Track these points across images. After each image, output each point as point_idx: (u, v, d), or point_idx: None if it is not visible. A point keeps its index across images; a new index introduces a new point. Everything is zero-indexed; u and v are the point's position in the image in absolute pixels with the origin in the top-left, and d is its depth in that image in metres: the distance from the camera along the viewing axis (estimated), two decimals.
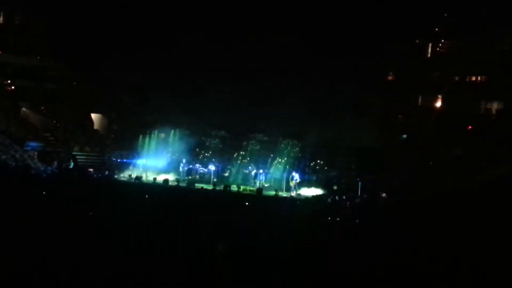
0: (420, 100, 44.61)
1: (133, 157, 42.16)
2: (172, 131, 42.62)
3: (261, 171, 39.51)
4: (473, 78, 43.16)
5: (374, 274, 17.12)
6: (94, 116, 48.09)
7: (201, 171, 41.34)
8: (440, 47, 45.30)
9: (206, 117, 42.12)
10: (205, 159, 41.77)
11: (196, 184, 38.15)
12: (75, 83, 49.06)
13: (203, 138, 42.43)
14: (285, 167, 39.61)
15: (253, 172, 39.73)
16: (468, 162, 35.50)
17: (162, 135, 43.08)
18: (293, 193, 36.76)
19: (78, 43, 45.36)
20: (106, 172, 40.66)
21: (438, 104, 43.75)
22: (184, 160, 41.98)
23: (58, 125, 45.76)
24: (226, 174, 40.95)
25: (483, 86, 42.05)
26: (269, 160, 40.50)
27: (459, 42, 43.94)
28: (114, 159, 43.15)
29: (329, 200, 35.28)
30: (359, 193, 35.76)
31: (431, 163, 37.18)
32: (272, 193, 36.71)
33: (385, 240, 21.95)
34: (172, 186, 37.32)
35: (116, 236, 19.23)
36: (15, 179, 32.24)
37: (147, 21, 45.03)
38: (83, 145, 43.47)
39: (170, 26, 45.08)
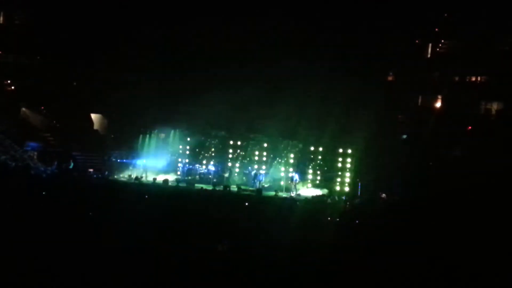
0: (420, 100, 44.57)
1: (133, 158, 42.13)
2: (172, 131, 42.59)
3: (261, 171, 39.52)
4: (473, 78, 43.15)
5: (374, 274, 17.13)
6: (94, 116, 47.97)
7: (201, 171, 41.31)
8: (440, 47, 45.28)
9: (206, 117, 42.06)
10: (205, 160, 41.74)
11: (196, 185, 38.14)
12: (75, 83, 49.00)
13: (203, 138, 42.38)
14: (285, 168, 39.61)
15: (253, 173, 39.73)
16: (468, 162, 35.47)
17: (162, 135, 43.04)
18: (293, 194, 36.77)
19: (78, 43, 45.30)
20: (106, 173, 40.64)
21: (438, 104, 43.71)
22: (183, 161, 41.97)
23: (58, 125, 45.67)
24: (226, 175, 40.93)
25: (483, 86, 42.04)
26: (269, 160, 40.49)
27: (459, 42, 43.92)
28: (113, 159, 43.09)
29: (329, 200, 35.30)
30: (358, 194, 35.77)
31: (431, 163, 37.16)
32: (272, 193, 36.72)
33: (385, 240, 21.94)
34: (171, 187, 37.32)
35: (116, 236, 19.24)
36: (15, 179, 32.21)
37: (147, 21, 45.00)
38: (83, 146, 43.40)
39: (170, 26, 45.06)
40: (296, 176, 37.89)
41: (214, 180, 39.40)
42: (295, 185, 37.56)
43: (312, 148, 39.97)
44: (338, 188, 38.26)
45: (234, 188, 37.72)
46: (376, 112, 40.26)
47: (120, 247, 17.94)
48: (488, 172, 32.65)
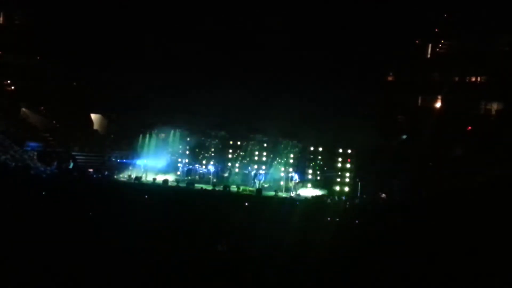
0: (420, 101, 44.58)
1: (133, 158, 42.12)
2: (172, 131, 42.60)
3: (260, 171, 39.52)
4: (473, 79, 43.15)
5: (374, 274, 17.13)
6: (93, 116, 48.01)
7: (200, 171, 41.32)
8: (440, 48, 45.29)
9: (206, 117, 42.08)
10: (205, 160, 41.75)
11: (196, 185, 38.12)
12: (75, 83, 49.02)
13: (202, 138, 42.39)
14: (284, 168, 39.63)
15: (252, 173, 39.74)
16: (468, 162, 35.47)
17: (162, 135, 43.04)
18: (293, 194, 36.77)
19: (78, 43, 45.31)
20: (106, 173, 40.62)
21: (438, 104, 43.71)
22: (183, 161, 41.96)
23: (57, 125, 45.68)
24: (226, 175, 40.95)
25: (483, 87, 42.04)
26: (269, 160, 40.51)
27: (459, 42, 43.92)
28: (113, 159, 43.10)
29: (328, 200, 35.29)
30: (358, 194, 35.79)
31: (431, 163, 37.17)
32: (272, 193, 36.71)
33: (385, 240, 21.95)
34: (171, 187, 37.32)
35: (116, 236, 19.23)
36: (15, 179, 32.21)
37: (147, 22, 45.02)
38: (82, 146, 43.41)
39: (170, 26, 45.07)
40: (296, 176, 37.90)
41: (214, 180, 39.40)
42: (294, 185, 37.55)
43: (312, 148, 39.98)
44: (338, 188, 38.27)
45: (234, 188, 37.72)
46: (376, 112, 40.31)
47: (120, 247, 17.94)
48: (488, 172, 32.68)
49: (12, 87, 47.53)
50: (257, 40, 43.44)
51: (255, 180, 38.95)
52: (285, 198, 35.71)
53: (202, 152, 41.98)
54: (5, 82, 47.26)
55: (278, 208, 31.12)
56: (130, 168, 41.49)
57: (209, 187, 37.39)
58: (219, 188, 37.23)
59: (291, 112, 38.81)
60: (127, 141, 44.04)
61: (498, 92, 40.66)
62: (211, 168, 40.56)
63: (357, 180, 36.87)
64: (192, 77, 44.07)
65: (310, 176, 39.49)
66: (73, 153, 42.15)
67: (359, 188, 35.91)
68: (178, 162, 42.13)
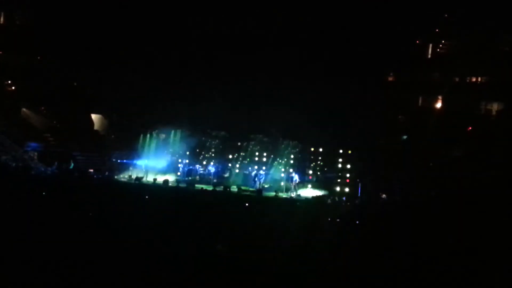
0: (420, 101, 44.54)
1: (133, 158, 42.14)
2: (172, 131, 42.61)
3: (261, 172, 39.52)
4: (474, 79, 43.12)
5: (375, 274, 17.13)
6: (94, 117, 47.98)
7: (201, 172, 41.32)
8: (440, 48, 45.26)
9: (206, 118, 42.10)
10: (205, 160, 41.75)
11: (196, 185, 38.13)
12: (75, 84, 49.01)
13: (203, 138, 42.40)
14: (285, 168, 39.63)
15: (253, 173, 39.74)
16: (469, 162, 35.47)
17: (162, 135, 43.06)
18: (293, 194, 36.77)
19: (78, 43, 45.31)
20: (106, 173, 40.63)
21: (439, 104, 43.68)
22: (184, 161, 41.96)
23: (58, 125, 45.67)
24: (226, 175, 40.96)
25: (483, 87, 42.01)
26: (269, 161, 40.51)
27: (460, 42, 43.89)
28: (114, 160, 43.12)
29: (329, 201, 35.30)
30: (359, 194, 35.79)
31: (431, 164, 37.17)
32: (272, 194, 36.71)
33: (385, 241, 21.95)
34: (172, 187, 37.32)
35: (116, 236, 19.25)
36: (16, 180, 32.23)
37: (147, 22, 45.01)
38: (83, 146, 43.41)
39: (170, 26, 45.06)
40: (296, 177, 37.90)
41: (214, 180, 39.41)
42: (295, 186, 37.56)
43: (312, 149, 39.98)
44: (338, 188, 38.25)
45: (234, 188, 37.72)
46: (376, 112, 40.30)
47: (121, 247, 17.95)
48: (488, 173, 32.68)
49: (13, 87, 47.50)
50: (257, 40, 43.42)
51: (256, 181, 38.95)
52: (286, 198, 35.73)
53: (203, 153, 42.00)
54: (5, 82, 47.24)
55: (278, 208, 31.13)
56: (131, 168, 41.52)
57: (210, 188, 37.39)
58: (220, 188, 37.24)
59: (292, 113, 38.80)
60: (127, 141, 44.05)
61: (499, 92, 40.64)
62: (212, 168, 40.56)
63: (358, 180, 36.88)
64: (193, 77, 44.07)
65: (310, 177, 39.47)
66: (74, 154, 42.16)
67: (360, 189, 35.91)
68: (179, 162, 42.14)
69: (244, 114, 41.34)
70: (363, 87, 41.21)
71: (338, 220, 28.74)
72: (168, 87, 43.82)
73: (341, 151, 39.15)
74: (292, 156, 40.04)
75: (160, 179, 38.91)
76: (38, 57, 48.17)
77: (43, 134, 43.94)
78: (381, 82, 45.12)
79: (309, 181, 39.28)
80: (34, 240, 18.12)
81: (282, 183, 38.79)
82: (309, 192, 37.70)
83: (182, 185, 38.07)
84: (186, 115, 41.60)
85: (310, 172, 39.63)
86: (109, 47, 45.23)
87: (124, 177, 40.18)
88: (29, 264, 15.60)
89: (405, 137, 41.86)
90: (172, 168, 41.78)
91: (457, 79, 43.53)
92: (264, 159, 40.80)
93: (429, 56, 45.35)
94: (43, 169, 38.83)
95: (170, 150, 42.49)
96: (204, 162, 41.69)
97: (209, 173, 40.50)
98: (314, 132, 39.81)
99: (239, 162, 41.22)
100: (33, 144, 41.35)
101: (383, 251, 20.09)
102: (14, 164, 37.63)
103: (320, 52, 41.52)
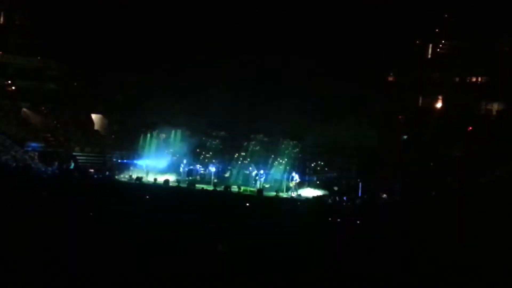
0: (420, 101, 44.58)
1: (134, 158, 42.16)
2: (173, 131, 42.63)
3: (261, 171, 39.53)
4: (474, 79, 43.16)
5: (375, 275, 17.13)
6: (94, 116, 48.04)
7: (201, 171, 41.33)
8: (440, 48, 45.29)
9: (207, 118, 42.11)
10: (206, 160, 41.76)
11: (197, 185, 38.16)
12: (75, 84, 49.04)
13: (203, 138, 42.41)
14: (285, 168, 39.64)
15: (253, 173, 39.74)
16: (469, 162, 35.50)
17: (163, 135, 43.09)
18: (293, 194, 36.78)
19: (79, 43, 45.33)
20: (107, 173, 40.65)
21: (439, 104, 43.73)
22: (184, 161, 41.98)
23: (58, 125, 45.71)
24: (227, 175, 40.97)
25: (483, 87, 42.05)
26: (270, 160, 40.51)
27: (460, 42, 43.92)
28: (114, 159, 43.15)
29: (329, 200, 35.32)
30: (359, 194, 35.80)
31: (431, 163, 37.19)
32: (273, 193, 36.73)
33: (385, 241, 21.95)
34: (172, 187, 37.33)
35: (117, 237, 19.24)
36: (16, 180, 32.22)
37: (147, 21, 45.01)
38: (83, 146, 43.43)
39: (170, 26, 45.06)
40: (296, 177, 37.91)
41: (215, 180, 39.43)
42: (295, 185, 37.56)
43: (312, 148, 39.99)
44: (338, 188, 38.23)
45: (234, 188, 37.74)
46: (377, 112, 40.33)
47: (121, 247, 17.95)
48: (489, 173, 32.70)
49: (13, 87, 47.54)
50: (258, 40, 43.43)
51: (256, 181, 38.96)
52: (286, 198, 35.75)
53: (203, 153, 42.01)
54: (5, 82, 47.28)
55: (279, 208, 31.14)
56: (131, 168, 41.53)
57: (210, 188, 37.42)
58: (220, 188, 37.26)
59: (292, 113, 38.83)
60: (128, 141, 44.08)
61: (499, 93, 40.67)
62: (212, 168, 40.58)
63: (358, 180, 36.90)
64: (193, 77, 44.09)
65: (311, 177, 39.49)
66: (74, 153, 42.19)
67: (360, 188, 35.93)
68: (179, 162, 42.14)
69: (244, 114, 41.35)
70: (364, 87, 41.23)
71: (338, 220, 28.74)
72: (168, 87, 43.84)
73: (341, 151, 39.13)
74: (292, 156, 40.02)
75: (161, 179, 38.93)
76: (39, 57, 48.21)
77: (44, 134, 43.97)
78: (382, 82, 45.17)
79: (309, 181, 39.28)
80: (34, 240, 18.11)
81: (283, 183, 38.80)
82: (309, 192, 37.71)
83: (183, 185, 38.10)
84: (186, 115, 41.61)
85: (311, 171, 39.61)
86: (109, 47, 45.25)
87: (124, 177, 40.19)
88: (29, 264, 15.58)
89: (405, 137, 41.89)
90: (172, 168, 41.78)
91: (457, 79, 43.57)
92: (265, 159, 40.78)
93: (429, 56, 45.38)
94: (43, 169, 38.84)
95: (171, 150, 42.50)
96: (205, 162, 41.67)
97: (210, 173, 40.50)
98: (314, 132, 39.83)
99: (239, 162, 41.22)
100: (33, 144, 41.36)
101: (384, 251, 20.09)
102: (14, 164, 37.63)
103: (321, 52, 41.51)
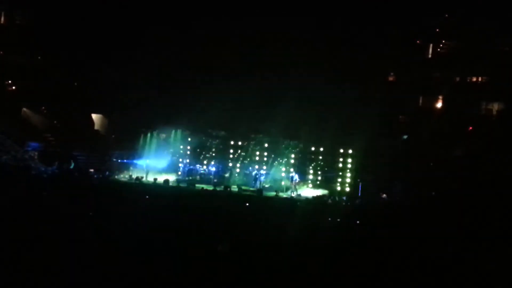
0: (420, 101, 44.57)
1: (134, 158, 42.14)
2: (173, 131, 42.62)
3: (261, 171, 39.52)
4: (474, 79, 43.16)
5: (375, 275, 17.14)
6: (94, 116, 47.99)
7: (201, 171, 41.32)
8: (440, 48, 45.29)
9: (207, 118, 42.08)
10: (206, 160, 41.75)
11: (197, 185, 38.14)
12: (76, 83, 49.02)
13: (203, 138, 42.39)
14: (285, 168, 39.62)
15: (253, 173, 39.73)
16: (469, 163, 35.49)
17: (163, 135, 43.07)
18: (293, 194, 36.77)
19: (79, 43, 45.32)
20: (107, 173, 40.64)
21: (439, 104, 43.72)
22: (184, 161, 41.97)
23: (58, 125, 45.68)
24: (227, 175, 40.94)
25: (483, 87, 42.05)
26: (270, 160, 40.49)
27: (460, 42, 43.93)
28: (114, 159, 43.12)
29: (329, 201, 35.30)
30: (359, 194, 35.78)
31: (431, 164, 37.18)
32: (273, 194, 36.72)
33: (385, 241, 21.96)
34: (172, 187, 37.32)
35: (116, 237, 19.26)
36: (16, 180, 32.23)
37: (147, 21, 44.99)
38: (83, 146, 43.40)
39: (170, 26, 45.04)
40: (296, 176, 37.90)
41: (215, 180, 39.40)
42: (295, 186, 37.55)
43: (312, 148, 39.98)
44: (338, 188, 38.25)
45: (234, 188, 37.73)
46: (376, 112, 40.29)
47: (121, 247, 17.96)
48: (489, 173, 32.70)
49: (13, 87, 47.52)
50: (258, 40, 43.43)
51: (256, 181, 38.94)
52: (286, 198, 35.73)
53: (203, 152, 41.98)
54: (6, 82, 47.25)
55: (278, 208, 31.13)
56: (131, 168, 41.53)
57: (210, 188, 37.41)
58: (220, 188, 37.25)
59: (292, 112, 38.79)
60: (128, 141, 44.04)
61: (499, 93, 40.67)
62: (212, 168, 40.57)
63: (358, 180, 36.88)
64: (193, 77, 44.08)
65: (310, 176, 39.49)
66: (74, 153, 42.14)
67: (360, 189, 35.91)
68: (179, 162, 42.13)
69: (244, 114, 41.33)
70: (364, 87, 41.23)
71: (338, 220, 28.75)
72: (168, 87, 43.83)
73: (341, 150, 39.10)
74: (292, 156, 40.01)
75: (161, 179, 38.93)
76: (39, 57, 48.18)
77: (43, 134, 43.94)
78: (382, 82, 45.16)
79: (310, 181, 39.28)
80: (34, 240, 18.12)
81: (283, 183, 38.79)
82: (309, 192, 37.70)
83: (183, 185, 38.09)
84: (186, 115, 41.58)
85: (311, 171, 39.60)
86: (109, 46, 45.24)
87: (124, 177, 40.18)
88: (29, 264, 15.60)
89: (405, 137, 41.87)
90: (172, 168, 41.77)
91: (457, 79, 43.56)
92: (265, 159, 40.77)
93: (429, 56, 45.38)
94: (43, 169, 38.82)
95: (171, 150, 42.48)
96: (205, 162, 41.66)
97: (210, 173, 40.49)
98: (314, 132, 39.80)
99: (239, 162, 41.20)
100: (33, 144, 41.34)
101: (384, 251, 20.10)
102: (14, 164, 37.61)
103: (321, 52, 41.51)
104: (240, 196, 35.46)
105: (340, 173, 38.67)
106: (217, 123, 42.72)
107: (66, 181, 35.33)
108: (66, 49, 46.02)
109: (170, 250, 18.36)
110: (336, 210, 31.32)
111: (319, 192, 37.43)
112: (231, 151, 41.51)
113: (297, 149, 40.28)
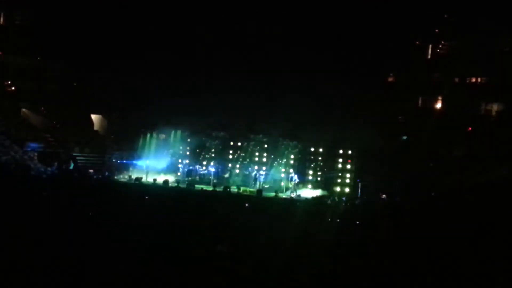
0: (420, 101, 44.59)
1: (133, 158, 42.15)
2: (172, 132, 42.63)
3: (261, 172, 39.53)
4: (473, 79, 43.17)
5: (374, 275, 17.13)
6: (94, 117, 48.00)
7: (201, 172, 41.33)
8: (440, 48, 45.30)
9: (207, 118, 42.10)
10: (205, 160, 41.76)
11: (196, 185, 38.15)
12: (75, 84, 49.03)
13: (203, 139, 42.42)
14: (285, 168, 39.64)
15: (253, 173, 39.75)
16: (469, 163, 35.48)
17: (162, 136, 43.09)
18: (293, 194, 36.76)
19: (78, 43, 45.32)
20: (106, 173, 40.66)
21: (438, 105, 43.73)
22: (184, 161, 41.97)
23: (58, 126, 45.69)
24: (226, 175, 40.97)
25: (483, 87, 42.06)
26: (269, 161, 40.52)
27: (459, 43, 43.94)
28: (114, 160, 43.13)
29: (329, 201, 35.29)
30: (359, 195, 35.78)
31: (431, 164, 37.18)
32: (272, 194, 36.72)
33: (385, 241, 21.94)
34: (172, 187, 37.32)
35: (116, 237, 19.24)
36: (15, 180, 32.20)
37: (147, 22, 45.02)
38: (83, 146, 43.41)
39: (170, 26, 45.07)
40: (296, 177, 37.91)
41: (214, 181, 39.42)
42: (294, 186, 37.56)
43: (312, 149, 39.99)
44: (338, 189, 38.27)
45: (234, 189, 37.74)
46: (376, 113, 40.30)
47: (120, 247, 17.94)
48: (489, 173, 32.68)
49: (13, 88, 47.54)
50: (257, 40, 43.45)
51: (256, 181, 38.96)
52: (286, 199, 35.72)
53: (203, 153, 42.01)
54: (5, 83, 47.28)
55: (278, 208, 31.10)
56: (131, 168, 41.55)
57: (210, 188, 37.41)
58: (220, 189, 37.26)
59: (292, 113, 38.81)
60: (127, 141, 44.06)
61: (499, 93, 40.67)
62: (212, 169, 40.58)
63: (358, 181, 36.89)
64: (193, 77, 44.09)
65: (310, 177, 39.51)
66: (74, 154, 42.16)
67: (360, 189, 35.91)
68: (179, 163, 42.15)
69: (245, 115, 41.35)
70: (364, 87, 41.23)
71: (338, 220, 28.73)
72: (168, 87, 43.84)
73: (341, 151, 39.12)
74: (292, 156, 40.03)
75: (160, 179, 38.93)
76: (38, 57, 48.20)
77: (43, 134, 43.94)
78: (381, 83, 45.17)
79: (309, 182, 39.29)
80: (34, 240, 18.10)
81: (282, 183, 38.81)
82: (309, 192, 37.72)
83: (182, 185, 38.10)
84: (186, 116, 41.61)
85: (310, 172, 39.61)
86: (109, 47, 45.24)
87: (124, 177, 40.20)
88: (29, 265, 15.58)
89: (405, 137, 41.87)
90: (172, 168, 41.80)
91: (457, 79, 43.57)
92: (264, 159, 40.80)
93: (429, 56, 45.39)
94: (43, 169, 38.82)
95: (170, 150, 42.50)
96: (204, 163, 41.67)
97: (209, 174, 40.50)
98: (314, 132, 39.81)
99: (239, 163, 41.23)
100: (33, 144, 41.34)
101: (383, 251, 20.08)
102: (14, 165, 37.60)
103: (321, 52, 41.51)
104: (240, 197, 35.44)
105: (340, 174, 38.68)
106: (217, 124, 42.75)
107: (66, 182, 35.29)
108: (66, 49, 46.01)
109: (169, 250, 18.35)
110: (336, 211, 31.28)
111: (319, 192, 37.46)
112: (231, 151, 41.55)
113: (297, 150, 40.30)
